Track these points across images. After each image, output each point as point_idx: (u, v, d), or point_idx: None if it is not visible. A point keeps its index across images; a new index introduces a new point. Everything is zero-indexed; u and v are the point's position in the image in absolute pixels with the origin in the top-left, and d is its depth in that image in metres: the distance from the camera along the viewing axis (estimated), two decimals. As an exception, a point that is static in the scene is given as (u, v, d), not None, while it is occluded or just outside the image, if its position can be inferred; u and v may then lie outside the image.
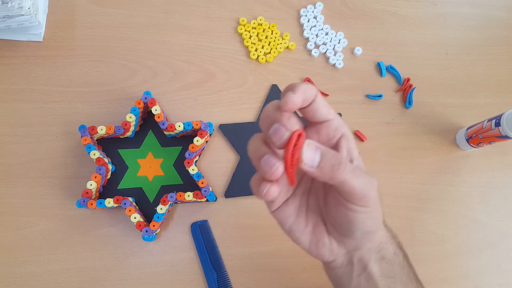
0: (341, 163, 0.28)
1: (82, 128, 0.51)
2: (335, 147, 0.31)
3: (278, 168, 0.28)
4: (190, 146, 0.51)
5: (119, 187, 0.55)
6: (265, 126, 0.29)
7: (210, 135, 0.57)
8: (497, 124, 0.52)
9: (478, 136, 0.56)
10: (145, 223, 0.51)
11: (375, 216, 0.32)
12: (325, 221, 0.34)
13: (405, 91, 0.61)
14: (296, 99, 0.28)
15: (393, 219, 0.58)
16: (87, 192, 0.50)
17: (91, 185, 0.50)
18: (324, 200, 0.33)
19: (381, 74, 0.61)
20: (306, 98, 0.29)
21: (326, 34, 0.62)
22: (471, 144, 0.58)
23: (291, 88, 0.28)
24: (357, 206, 0.30)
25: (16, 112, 0.56)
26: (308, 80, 0.60)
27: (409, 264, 0.37)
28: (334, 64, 0.61)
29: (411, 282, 0.36)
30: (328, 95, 0.60)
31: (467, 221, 0.59)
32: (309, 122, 0.32)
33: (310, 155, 0.28)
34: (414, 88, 0.61)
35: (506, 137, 0.51)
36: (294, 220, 0.34)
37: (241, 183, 0.56)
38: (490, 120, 0.53)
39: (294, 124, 0.30)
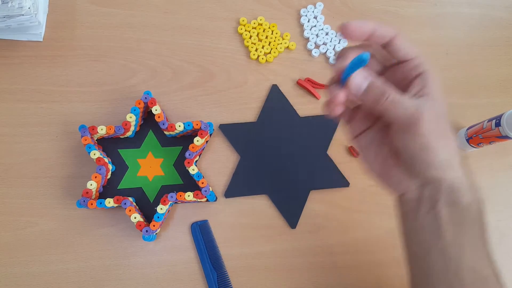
0: (384, 94, 0.32)
1: (82, 128, 0.51)
2: (408, 85, 0.33)
3: (338, 92, 0.33)
4: (190, 146, 0.51)
5: (119, 187, 0.55)
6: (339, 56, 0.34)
7: (210, 135, 0.57)
8: (497, 124, 0.52)
9: (478, 136, 0.56)
10: (145, 223, 0.51)
11: (435, 148, 0.32)
12: (395, 153, 0.36)
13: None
14: (350, 25, 0.32)
15: (394, 220, 0.58)
16: (87, 192, 0.50)
17: (91, 185, 0.50)
18: (391, 132, 0.35)
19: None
20: (377, 33, 0.33)
21: (326, 34, 0.62)
22: (471, 144, 0.58)
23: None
24: (409, 134, 0.32)
25: (16, 112, 0.56)
26: (308, 80, 0.60)
27: (482, 221, 0.35)
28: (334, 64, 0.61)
29: (480, 239, 0.35)
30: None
31: (467, 221, 0.59)
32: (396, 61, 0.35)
33: (358, 82, 0.33)
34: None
35: (506, 137, 0.51)
36: (369, 148, 0.37)
37: (241, 183, 0.56)
38: (490, 120, 0.53)
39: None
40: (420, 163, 0.33)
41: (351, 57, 0.32)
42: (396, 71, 0.35)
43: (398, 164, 0.35)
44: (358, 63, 0.31)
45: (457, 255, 0.34)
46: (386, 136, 0.36)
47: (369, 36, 0.33)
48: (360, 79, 0.33)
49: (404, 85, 0.34)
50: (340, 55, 0.34)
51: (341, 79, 0.33)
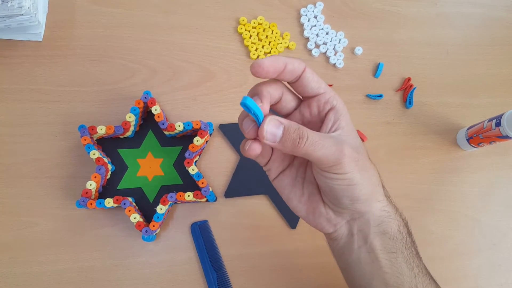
0: (302, 137, 0.30)
1: (81, 128, 0.51)
2: (323, 120, 0.33)
3: (253, 127, 0.31)
4: (190, 146, 0.51)
5: (118, 187, 0.55)
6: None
7: (210, 135, 0.57)
8: (498, 124, 0.52)
9: (479, 136, 0.55)
10: (144, 223, 0.51)
11: (360, 183, 0.32)
12: (318, 190, 0.35)
13: (406, 91, 0.61)
14: (263, 63, 0.30)
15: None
16: (86, 192, 0.50)
17: (90, 185, 0.50)
18: (313, 170, 0.34)
19: (379, 74, 0.61)
20: (288, 68, 0.31)
21: (327, 33, 0.62)
22: (472, 144, 0.58)
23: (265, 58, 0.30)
24: (332, 173, 0.32)
25: (16, 111, 0.56)
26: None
27: (412, 240, 0.37)
28: (335, 64, 0.61)
29: (412, 258, 0.36)
30: (332, 84, 0.60)
31: (467, 221, 0.59)
32: (303, 97, 0.34)
33: (272, 131, 0.30)
34: (414, 88, 0.61)
35: (506, 137, 0.51)
36: (291, 189, 0.36)
37: (241, 183, 0.56)
38: (490, 120, 0.53)
39: (275, 91, 0.32)
40: (346, 199, 0.33)
41: (264, 94, 0.31)
42: (311, 104, 0.34)
43: (324, 200, 0.35)
44: (247, 108, 0.30)
45: (398, 282, 0.34)
46: (307, 173, 0.36)
47: (281, 73, 0.31)
48: (272, 128, 0.30)
49: (319, 119, 0.34)
50: (250, 93, 0.32)
51: (243, 102, 0.30)
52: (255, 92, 0.32)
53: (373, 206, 0.34)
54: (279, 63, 0.31)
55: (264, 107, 0.31)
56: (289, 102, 0.34)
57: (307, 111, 0.34)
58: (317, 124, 0.34)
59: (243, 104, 0.29)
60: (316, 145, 0.30)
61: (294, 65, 0.31)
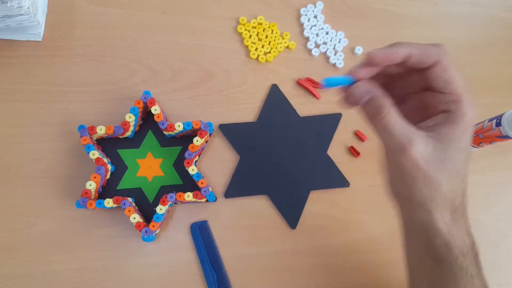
0: (377, 116, 0.30)
1: (81, 128, 0.50)
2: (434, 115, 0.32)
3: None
4: (190, 146, 0.51)
5: (118, 188, 0.55)
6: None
7: (210, 135, 0.57)
8: (498, 124, 0.51)
9: (479, 136, 0.55)
10: (144, 223, 0.51)
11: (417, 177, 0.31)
12: None
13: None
14: (374, 57, 0.30)
15: (394, 220, 0.58)
16: (86, 193, 0.50)
17: (90, 185, 0.50)
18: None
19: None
20: (412, 60, 0.30)
21: (327, 33, 0.62)
22: (472, 144, 0.58)
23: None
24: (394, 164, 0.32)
25: (16, 112, 0.56)
26: (308, 80, 0.60)
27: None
28: (335, 63, 0.61)
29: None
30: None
31: (468, 221, 0.58)
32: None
33: (360, 93, 0.31)
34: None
35: (507, 137, 0.51)
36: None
37: (241, 183, 0.56)
38: (490, 120, 0.53)
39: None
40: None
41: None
42: (429, 97, 0.32)
43: None
44: (341, 82, 0.31)
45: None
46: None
47: (401, 63, 0.30)
48: (362, 91, 0.31)
49: (427, 113, 0.32)
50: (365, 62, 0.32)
51: (324, 84, 0.32)
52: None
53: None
54: (398, 55, 0.30)
55: (359, 73, 0.31)
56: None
57: (425, 100, 0.33)
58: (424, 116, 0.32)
59: (328, 85, 0.31)
60: (384, 130, 0.30)
61: (422, 57, 0.29)
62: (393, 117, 0.30)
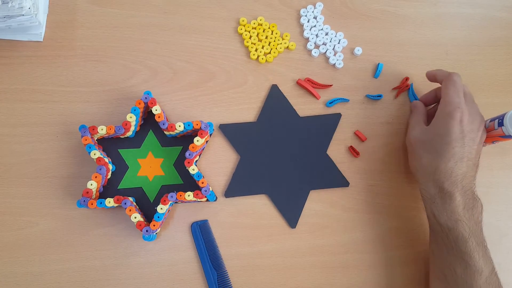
0: (411, 114, 0.58)
1: (82, 128, 0.51)
2: None
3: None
4: (191, 146, 0.52)
5: (119, 187, 0.55)
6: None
7: (210, 135, 0.57)
8: (500, 124, 0.51)
9: (479, 136, 0.55)
10: (145, 222, 0.51)
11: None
12: None
13: (401, 90, 0.61)
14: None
15: (393, 219, 0.58)
16: (87, 192, 0.50)
17: (91, 184, 0.50)
18: None
19: (378, 74, 0.61)
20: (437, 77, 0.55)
21: (326, 34, 0.62)
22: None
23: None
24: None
25: (16, 112, 0.56)
26: (308, 80, 0.60)
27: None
28: (334, 64, 0.61)
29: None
30: (331, 85, 0.60)
31: (467, 221, 0.58)
32: None
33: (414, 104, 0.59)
34: (412, 86, 0.61)
35: (509, 136, 0.51)
36: None
37: (241, 183, 0.56)
38: (492, 120, 0.53)
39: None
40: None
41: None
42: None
43: None
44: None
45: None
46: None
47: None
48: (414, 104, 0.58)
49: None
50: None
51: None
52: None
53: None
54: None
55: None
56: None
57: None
58: None
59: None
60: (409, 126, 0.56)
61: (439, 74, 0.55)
62: (416, 114, 0.56)
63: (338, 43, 0.62)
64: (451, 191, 0.47)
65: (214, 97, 0.59)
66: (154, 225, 0.50)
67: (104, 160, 0.51)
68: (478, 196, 0.49)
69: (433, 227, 0.51)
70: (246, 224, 0.56)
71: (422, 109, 0.56)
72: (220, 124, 0.58)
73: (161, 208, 0.50)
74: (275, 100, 0.59)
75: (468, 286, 0.47)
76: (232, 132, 0.58)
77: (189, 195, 0.51)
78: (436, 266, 0.51)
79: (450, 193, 0.47)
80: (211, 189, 0.53)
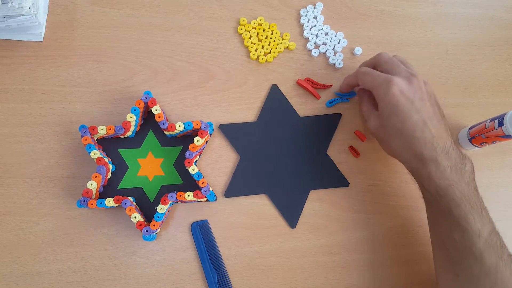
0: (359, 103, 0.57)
1: (82, 128, 0.51)
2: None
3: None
4: (190, 146, 0.52)
5: (119, 187, 0.55)
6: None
7: (210, 135, 0.57)
8: (500, 123, 0.51)
9: (481, 136, 0.55)
10: (145, 222, 0.51)
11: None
12: None
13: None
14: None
15: (393, 219, 0.58)
16: (87, 192, 0.50)
17: (91, 184, 0.50)
18: None
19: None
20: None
21: (326, 34, 0.62)
22: (474, 144, 0.58)
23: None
24: None
25: (16, 112, 0.56)
26: (308, 80, 0.60)
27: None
28: (334, 64, 0.61)
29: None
30: (331, 85, 0.60)
31: (467, 221, 0.58)
32: None
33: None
34: None
35: (509, 136, 0.51)
36: None
37: (241, 183, 0.56)
38: (492, 120, 0.53)
39: None
40: None
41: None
42: None
43: None
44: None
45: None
46: None
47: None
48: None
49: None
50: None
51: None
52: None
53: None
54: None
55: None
56: None
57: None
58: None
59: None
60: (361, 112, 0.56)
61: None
62: (363, 104, 0.54)
63: (338, 43, 0.62)
64: (433, 157, 0.46)
65: (214, 97, 0.59)
66: (154, 225, 0.50)
67: (104, 160, 0.51)
68: (465, 154, 0.48)
69: (426, 197, 0.50)
70: (246, 224, 0.56)
71: (367, 95, 0.54)
72: (220, 124, 0.58)
73: (161, 208, 0.50)
74: (275, 100, 0.59)
75: (467, 250, 0.45)
76: (232, 132, 0.58)
77: (189, 195, 0.51)
78: (435, 235, 0.51)
79: (433, 159, 0.46)
80: (211, 189, 0.53)
